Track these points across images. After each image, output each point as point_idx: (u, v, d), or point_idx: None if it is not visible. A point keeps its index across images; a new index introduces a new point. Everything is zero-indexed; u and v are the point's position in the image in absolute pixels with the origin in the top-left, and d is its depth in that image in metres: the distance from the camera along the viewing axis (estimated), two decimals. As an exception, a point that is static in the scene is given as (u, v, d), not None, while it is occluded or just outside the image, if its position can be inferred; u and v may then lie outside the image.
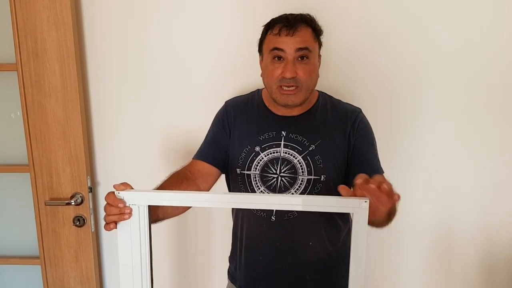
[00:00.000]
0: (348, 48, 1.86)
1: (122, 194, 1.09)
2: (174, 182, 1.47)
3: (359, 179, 1.10)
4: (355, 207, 1.05)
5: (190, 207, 1.50)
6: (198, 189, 1.53)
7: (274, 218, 1.53)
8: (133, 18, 1.88)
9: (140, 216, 1.10)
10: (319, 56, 1.53)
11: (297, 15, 1.46)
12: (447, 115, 1.90)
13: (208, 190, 1.59)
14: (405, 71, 1.87)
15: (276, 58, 1.45)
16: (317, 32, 1.48)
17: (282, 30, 1.43)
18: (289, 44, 1.42)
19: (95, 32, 1.91)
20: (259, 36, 1.54)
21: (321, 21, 1.51)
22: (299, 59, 1.43)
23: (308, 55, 1.44)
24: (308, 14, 1.48)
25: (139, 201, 1.09)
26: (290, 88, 1.44)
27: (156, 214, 1.32)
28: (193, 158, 1.62)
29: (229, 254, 1.76)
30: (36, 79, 1.84)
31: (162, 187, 1.43)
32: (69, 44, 1.81)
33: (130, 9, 1.87)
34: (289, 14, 1.48)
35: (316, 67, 1.49)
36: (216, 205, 1.18)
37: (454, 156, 1.93)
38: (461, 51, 1.84)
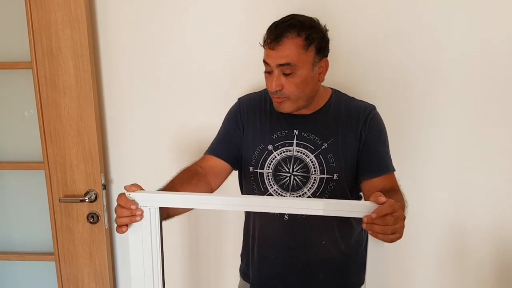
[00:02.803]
0: (361, 45, 1.85)
1: (133, 196, 1.10)
2: (184, 178, 1.45)
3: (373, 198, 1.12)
4: (371, 212, 1.06)
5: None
6: (209, 185, 1.52)
7: (286, 218, 1.53)
8: (146, 16, 1.89)
9: (151, 217, 1.11)
10: (321, 60, 1.45)
11: (288, 22, 1.40)
12: (461, 111, 1.88)
13: (218, 186, 1.58)
14: (418, 68, 1.85)
15: (265, 70, 1.45)
16: (311, 38, 1.40)
17: (267, 42, 1.40)
18: (272, 58, 1.40)
19: (109, 30, 1.92)
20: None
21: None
22: (283, 74, 1.40)
23: (291, 71, 1.39)
24: (307, 19, 1.42)
25: (150, 202, 1.10)
26: (279, 98, 1.44)
27: (166, 211, 1.31)
28: (204, 154, 1.61)
29: (240, 251, 1.77)
30: (51, 77, 1.85)
31: (172, 183, 1.41)
32: (83, 42, 1.82)
33: (143, 8, 1.88)
34: (282, 19, 1.42)
35: (306, 77, 1.41)
36: (228, 208, 1.17)
37: (468, 153, 1.91)
38: (476, 47, 1.81)
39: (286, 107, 1.46)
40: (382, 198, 1.09)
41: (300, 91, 1.43)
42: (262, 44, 1.44)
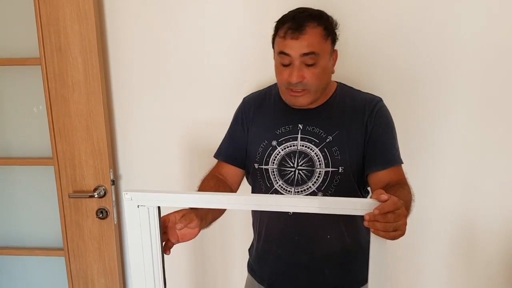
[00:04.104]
0: (368, 38, 1.82)
1: (130, 195, 1.08)
2: (211, 185, 1.51)
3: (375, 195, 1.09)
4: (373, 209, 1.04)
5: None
6: (231, 190, 1.58)
7: (291, 212, 1.51)
8: (154, 12, 1.88)
9: (150, 217, 1.09)
10: (334, 51, 1.47)
11: (305, 12, 1.40)
12: (470, 107, 1.85)
13: (237, 189, 1.63)
14: (427, 62, 1.82)
15: (283, 63, 1.42)
16: (328, 29, 1.41)
17: (288, 32, 1.38)
18: (294, 48, 1.37)
19: (117, 26, 1.92)
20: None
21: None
22: (305, 64, 1.39)
23: (315, 60, 1.38)
24: (318, 10, 1.42)
25: (149, 202, 1.08)
26: (297, 91, 1.42)
27: (208, 220, 1.38)
28: (215, 157, 1.64)
29: (249, 246, 1.77)
30: (60, 73, 1.86)
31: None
32: (91, 38, 1.82)
33: (151, 3, 1.87)
34: (297, 11, 1.42)
35: (325, 67, 1.43)
36: (228, 206, 1.17)
37: (478, 149, 1.88)
38: (486, 41, 1.78)
39: (305, 100, 1.44)
40: (384, 196, 1.06)
41: (320, 82, 1.43)
42: (275, 36, 1.44)
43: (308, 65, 1.39)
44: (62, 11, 1.80)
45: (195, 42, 1.89)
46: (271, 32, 1.49)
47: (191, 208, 1.31)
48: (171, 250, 1.25)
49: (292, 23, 1.38)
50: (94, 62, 1.84)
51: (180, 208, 1.26)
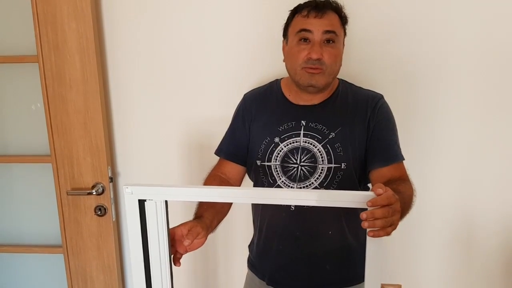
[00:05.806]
0: (368, 36, 1.83)
1: (131, 189, 1.08)
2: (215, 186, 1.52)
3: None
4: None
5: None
6: None
7: (293, 208, 1.52)
8: (152, 9, 1.88)
9: (158, 211, 1.10)
10: (343, 44, 1.51)
11: (325, 1, 1.47)
12: (469, 103, 1.86)
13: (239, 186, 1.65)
14: (426, 59, 1.84)
15: (303, 40, 1.45)
16: (343, 19, 1.49)
17: (311, 12, 1.43)
18: (316, 25, 1.42)
19: (115, 24, 1.91)
20: (277, 27, 1.53)
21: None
22: (325, 42, 1.43)
23: (335, 39, 1.44)
24: (335, 2, 1.48)
25: (156, 196, 1.09)
26: (314, 69, 1.44)
27: (214, 225, 1.40)
28: (216, 154, 1.65)
29: (249, 242, 1.77)
30: (57, 71, 1.86)
31: None
32: (88, 36, 1.82)
33: (149, 0, 1.87)
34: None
35: (341, 52, 1.48)
36: (232, 200, 1.18)
37: (476, 145, 1.90)
38: (484, 38, 1.80)
39: (321, 79, 1.45)
40: (379, 190, 1.04)
41: (334, 65, 1.46)
42: (290, 22, 1.50)
43: (327, 43, 1.44)
44: (59, 8, 1.79)
45: (193, 38, 1.89)
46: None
47: (196, 218, 1.33)
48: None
49: (314, 6, 1.45)
50: (92, 59, 1.84)
51: (186, 221, 1.28)
